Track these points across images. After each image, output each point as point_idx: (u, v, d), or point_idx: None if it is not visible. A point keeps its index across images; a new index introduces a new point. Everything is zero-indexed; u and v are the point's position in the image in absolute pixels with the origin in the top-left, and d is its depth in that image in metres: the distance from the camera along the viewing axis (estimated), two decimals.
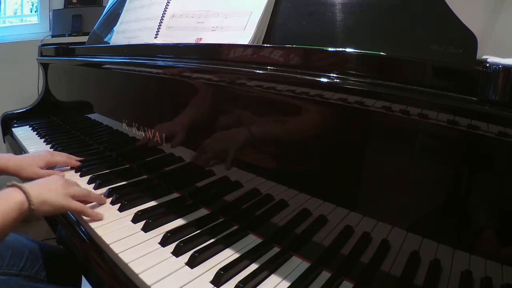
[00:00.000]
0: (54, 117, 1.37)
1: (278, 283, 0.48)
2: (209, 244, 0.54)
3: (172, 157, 0.74)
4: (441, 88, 0.37)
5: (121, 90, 0.92)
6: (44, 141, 1.10)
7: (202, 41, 0.70)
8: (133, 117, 0.83)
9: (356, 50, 0.45)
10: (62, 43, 1.40)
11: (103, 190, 0.73)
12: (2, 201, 0.52)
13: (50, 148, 1.04)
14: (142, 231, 0.59)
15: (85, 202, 0.65)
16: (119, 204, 0.66)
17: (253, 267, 0.51)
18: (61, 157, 0.85)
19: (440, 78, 0.38)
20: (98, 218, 0.62)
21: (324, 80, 0.44)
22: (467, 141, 0.37)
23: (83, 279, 0.75)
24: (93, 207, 0.66)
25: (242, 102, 0.59)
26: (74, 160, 0.87)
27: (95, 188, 0.75)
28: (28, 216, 0.54)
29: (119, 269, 0.52)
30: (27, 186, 0.55)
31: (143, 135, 0.79)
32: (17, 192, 0.54)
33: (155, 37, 0.82)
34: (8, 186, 0.55)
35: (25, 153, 1.04)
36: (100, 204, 0.67)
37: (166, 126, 0.74)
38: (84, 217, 0.62)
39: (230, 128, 0.61)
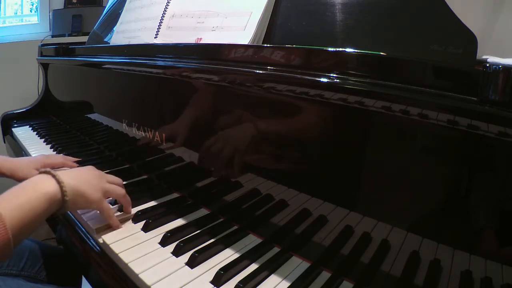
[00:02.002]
0: (54, 117, 1.37)
1: (278, 283, 0.48)
2: (209, 244, 0.54)
3: (172, 157, 0.74)
4: (441, 88, 0.37)
5: (121, 90, 0.92)
6: (44, 141, 1.10)
7: (202, 41, 0.70)
8: (133, 117, 0.83)
9: (356, 50, 0.45)
10: (62, 43, 1.40)
11: None
12: (30, 191, 0.46)
13: (50, 148, 1.04)
14: (142, 231, 0.59)
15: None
16: (119, 204, 0.66)
17: (253, 267, 0.51)
18: (57, 158, 0.85)
19: (440, 78, 0.38)
20: (118, 227, 0.59)
21: (324, 80, 0.45)
22: (467, 141, 0.37)
23: (83, 279, 0.75)
24: None
25: (242, 102, 0.59)
26: (70, 161, 0.86)
27: None
28: (60, 208, 0.49)
29: (119, 269, 0.52)
30: (62, 174, 0.50)
31: (143, 135, 0.79)
32: (49, 181, 0.48)
33: (155, 37, 0.82)
34: (41, 173, 0.50)
35: (25, 153, 1.04)
36: (127, 213, 0.63)
37: (166, 126, 0.74)
38: (90, 222, 0.61)
39: (230, 128, 0.61)
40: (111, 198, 0.65)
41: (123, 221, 0.62)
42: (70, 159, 0.87)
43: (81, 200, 0.53)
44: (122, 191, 0.62)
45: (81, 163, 0.87)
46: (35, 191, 0.47)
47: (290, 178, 0.54)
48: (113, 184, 0.62)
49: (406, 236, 0.42)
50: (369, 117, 0.43)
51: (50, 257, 0.77)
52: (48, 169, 0.51)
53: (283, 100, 0.52)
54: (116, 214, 0.62)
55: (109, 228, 0.59)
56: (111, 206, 0.60)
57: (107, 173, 0.81)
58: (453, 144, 0.38)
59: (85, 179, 0.55)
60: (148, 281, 0.47)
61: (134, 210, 0.64)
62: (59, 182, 0.49)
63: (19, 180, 0.77)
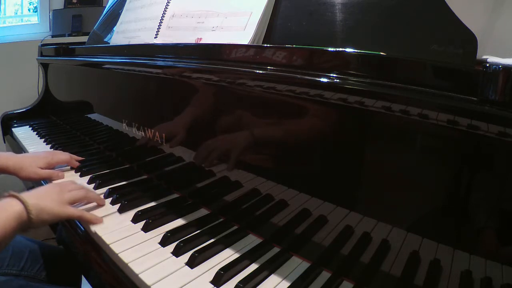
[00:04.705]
0: (54, 117, 1.37)
1: (278, 283, 0.48)
2: (209, 244, 0.54)
3: (172, 157, 0.74)
4: (441, 88, 0.37)
5: (121, 90, 0.92)
6: (44, 141, 1.10)
7: (202, 41, 0.70)
8: (133, 117, 0.83)
9: (356, 50, 0.45)
10: (62, 43, 1.40)
11: (103, 190, 0.73)
12: (0, 212, 0.51)
13: (50, 148, 1.04)
14: (142, 231, 0.59)
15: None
16: (119, 204, 0.66)
17: (253, 267, 0.51)
18: (63, 155, 0.85)
19: (440, 78, 0.38)
20: (98, 222, 0.61)
21: (324, 80, 0.45)
22: (467, 141, 0.37)
23: (83, 279, 0.75)
24: (92, 208, 0.66)
25: (241, 102, 0.59)
26: (75, 159, 0.86)
27: (95, 188, 0.75)
28: (26, 226, 0.53)
29: (119, 269, 0.52)
30: (24, 195, 0.55)
31: (143, 135, 0.79)
32: (15, 202, 0.53)
33: (155, 37, 0.82)
34: (6, 197, 0.55)
35: (25, 153, 1.04)
36: (100, 205, 0.66)
37: (166, 126, 0.74)
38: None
39: (230, 128, 0.61)
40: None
41: (109, 216, 0.63)
42: (75, 158, 0.87)
43: (46, 214, 0.56)
44: (81, 192, 0.64)
45: (82, 163, 0.87)
46: (5, 212, 0.51)
47: (290, 178, 0.54)
48: (74, 190, 0.64)
49: (406, 236, 0.42)
50: (369, 117, 0.43)
51: (50, 257, 0.77)
52: (12, 193, 0.55)
53: (283, 100, 0.52)
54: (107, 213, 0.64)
55: (97, 223, 0.61)
56: (78, 209, 0.61)
57: (106, 173, 0.82)
58: (453, 144, 0.38)
59: (46, 196, 0.59)
60: (148, 281, 0.47)
61: (134, 210, 0.64)
62: (23, 202, 0.53)
63: (23, 178, 0.78)
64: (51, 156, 0.82)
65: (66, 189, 0.63)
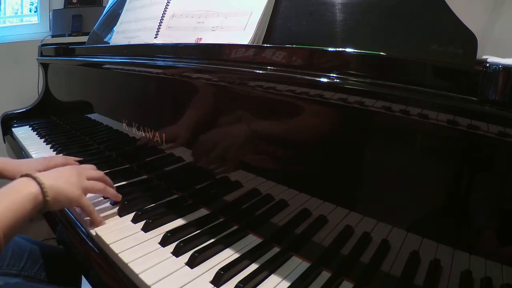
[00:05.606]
0: (54, 117, 1.37)
1: (278, 283, 0.48)
2: (209, 244, 0.54)
3: (172, 157, 0.74)
4: (441, 88, 0.37)
5: (121, 90, 0.92)
6: (44, 141, 1.10)
7: (202, 41, 0.70)
8: (133, 117, 0.83)
9: (356, 50, 0.45)
10: (62, 43, 1.40)
11: None
12: (14, 193, 0.49)
13: (50, 148, 1.04)
14: (142, 231, 0.59)
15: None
16: (119, 204, 0.66)
17: (253, 267, 0.51)
18: (60, 158, 0.85)
19: (440, 78, 0.38)
20: (100, 225, 0.60)
21: (324, 80, 0.45)
22: (467, 141, 0.37)
23: (83, 279, 0.75)
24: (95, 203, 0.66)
25: (241, 102, 0.59)
26: (72, 160, 0.86)
27: None
28: (42, 208, 0.51)
29: (119, 269, 0.52)
30: (41, 176, 0.52)
31: (143, 135, 0.79)
32: (31, 182, 0.51)
33: (155, 37, 0.82)
34: (22, 176, 0.52)
35: (25, 153, 1.04)
36: (116, 200, 0.65)
37: (166, 126, 0.74)
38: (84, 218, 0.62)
39: (230, 128, 0.61)
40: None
41: (109, 216, 0.63)
42: (72, 159, 0.87)
43: (62, 198, 0.54)
44: (100, 185, 0.63)
45: (82, 163, 0.87)
46: (19, 193, 0.49)
47: (290, 178, 0.54)
48: (93, 179, 0.63)
49: (406, 236, 0.42)
50: (369, 117, 0.43)
51: (50, 257, 0.77)
52: (28, 173, 0.53)
53: (283, 100, 0.52)
54: (107, 212, 0.63)
55: (99, 225, 0.60)
56: (91, 204, 0.60)
57: (106, 173, 0.81)
58: (453, 144, 0.38)
59: (64, 178, 0.57)
60: (148, 281, 0.47)
61: (134, 210, 0.64)
62: (39, 183, 0.51)
63: None
64: (47, 162, 0.82)
65: (85, 174, 0.62)
